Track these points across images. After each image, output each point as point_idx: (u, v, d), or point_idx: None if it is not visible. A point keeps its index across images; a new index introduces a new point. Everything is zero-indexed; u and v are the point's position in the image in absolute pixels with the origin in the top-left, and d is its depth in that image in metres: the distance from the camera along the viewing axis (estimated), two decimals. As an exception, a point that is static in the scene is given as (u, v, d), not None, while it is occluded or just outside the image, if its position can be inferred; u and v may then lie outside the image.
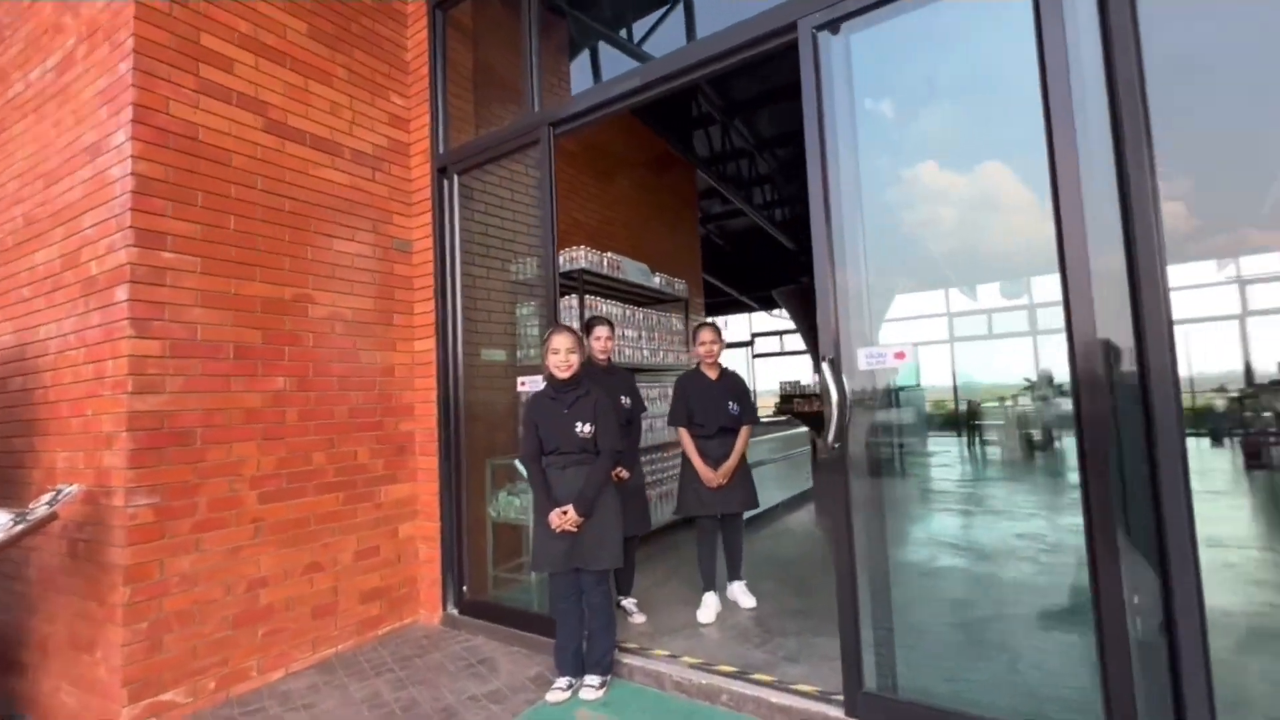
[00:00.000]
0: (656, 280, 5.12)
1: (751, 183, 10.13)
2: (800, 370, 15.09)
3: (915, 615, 2.45)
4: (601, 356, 3.32)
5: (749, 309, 17.41)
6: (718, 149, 8.83)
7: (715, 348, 3.57)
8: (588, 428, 2.63)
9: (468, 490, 3.58)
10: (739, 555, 3.59)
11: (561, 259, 4.37)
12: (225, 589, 2.77)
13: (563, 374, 2.65)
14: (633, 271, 4.81)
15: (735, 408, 3.53)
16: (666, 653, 2.79)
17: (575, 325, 4.18)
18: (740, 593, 3.50)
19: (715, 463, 3.45)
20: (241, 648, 2.80)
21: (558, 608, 2.66)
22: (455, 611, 3.48)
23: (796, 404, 11.31)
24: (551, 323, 3.16)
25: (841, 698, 2.24)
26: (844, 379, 2.20)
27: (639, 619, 3.24)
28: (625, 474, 3.21)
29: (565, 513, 2.55)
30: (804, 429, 7.42)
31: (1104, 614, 1.76)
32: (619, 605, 3.35)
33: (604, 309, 4.53)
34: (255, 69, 3.05)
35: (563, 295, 4.18)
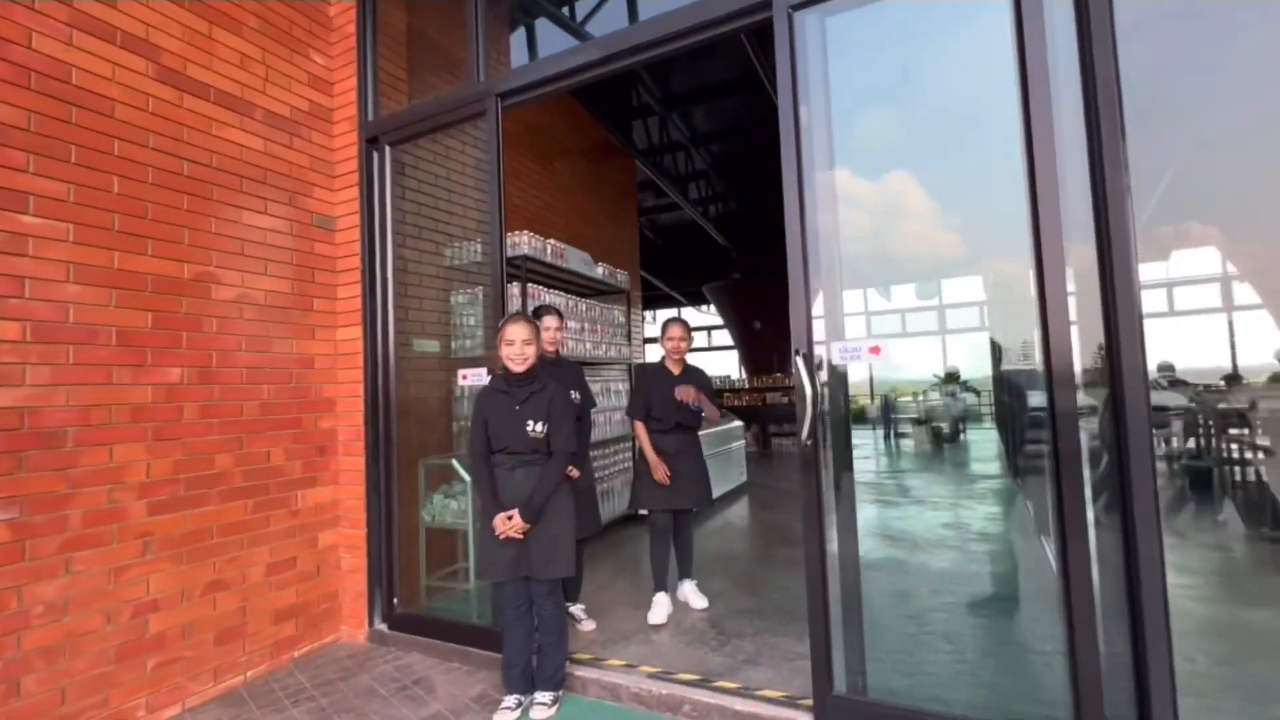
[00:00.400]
0: (599, 271, 4.93)
1: (687, 178, 10.11)
2: (729, 365, 15.32)
3: (878, 613, 2.43)
4: (550, 348, 3.11)
5: (678, 304, 17.51)
6: (656, 141, 8.73)
7: (683, 344, 3.45)
8: (540, 426, 2.42)
9: (398, 493, 3.27)
10: (690, 553, 3.51)
11: (502, 244, 4.10)
12: (105, 617, 2.35)
13: (517, 367, 2.43)
14: (575, 261, 4.60)
15: (696, 405, 3.45)
16: (622, 662, 2.64)
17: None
18: (691, 593, 3.41)
19: (670, 458, 3.35)
20: (125, 685, 2.39)
21: (504, 619, 2.45)
22: (384, 627, 3.17)
23: (727, 398, 11.45)
24: (500, 312, 2.92)
25: (810, 702, 2.17)
26: (815, 374, 2.13)
27: (589, 626, 3.07)
28: (576, 473, 3.02)
29: (510, 518, 2.34)
30: (738, 423, 7.47)
31: (1074, 601, 1.78)
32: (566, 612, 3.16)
33: (546, 299, 4.30)
34: (145, 5, 2.60)
35: (503, 283, 3.91)
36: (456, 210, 3.94)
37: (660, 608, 3.24)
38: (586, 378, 3.36)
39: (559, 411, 2.48)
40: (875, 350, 2.06)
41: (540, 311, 3.14)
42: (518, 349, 2.43)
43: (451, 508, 3.32)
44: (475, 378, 2.97)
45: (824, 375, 2.19)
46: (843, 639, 2.14)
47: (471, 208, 4.06)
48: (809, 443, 2.10)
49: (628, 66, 2.70)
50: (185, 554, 2.61)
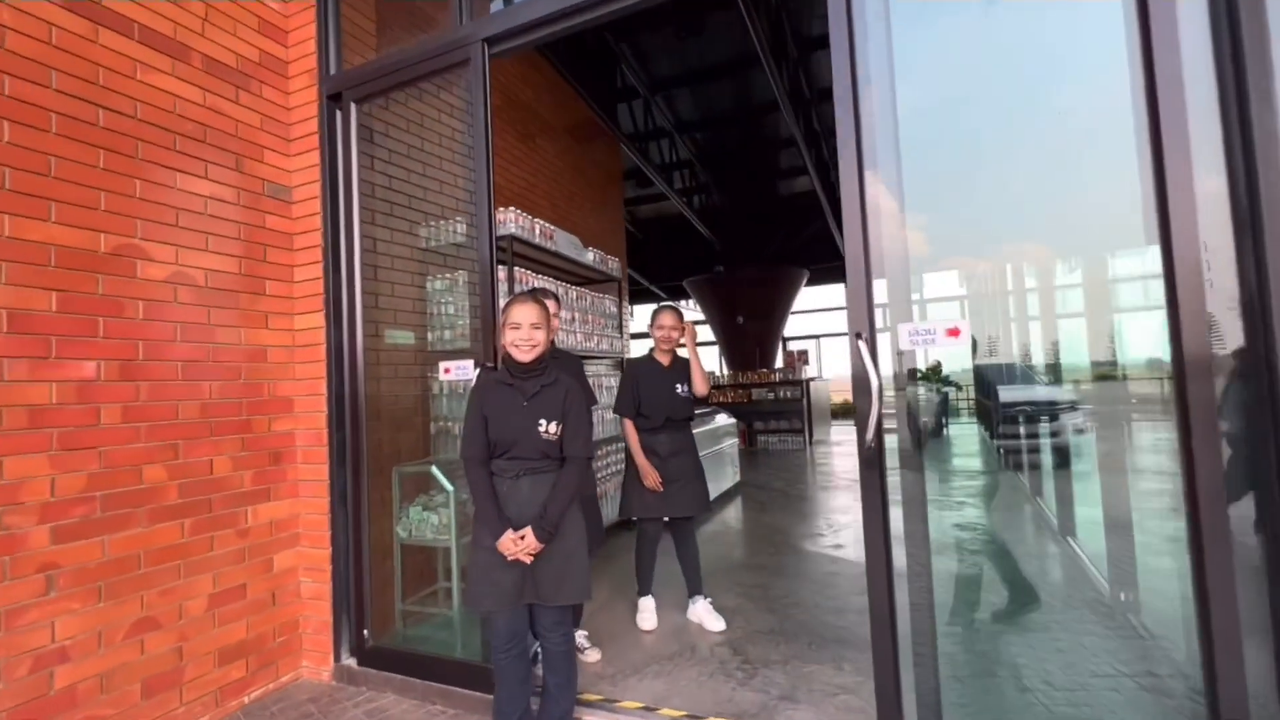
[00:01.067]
0: (590, 256, 4.52)
1: (671, 166, 9.74)
2: (711, 361, 15.02)
3: (946, 640, 2.10)
4: (521, 356, 2.69)
5: (657, 298, 17.16)
6: (640, 127, 8.34)
7: (675, 334, 3.11)
8: (554, 427, 2.02)
9: (367, 506, 2.82)
10: (696, 566, 3.15)
11: (484, 223, 3.66)
12: (-6, 674, 1.87)
13: (524, 355, 2.02)
14: (564, 244, 4.18)
15: (684, 390, 3.10)
16: (639, 704, 2.25)
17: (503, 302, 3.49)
18: (706, 613, 3.02)
19: (662, 461, 3.01)
20: (24, 756, 1.92)
21: (498, 659, 2.04)
22: (353, 662, 2.72)
23: (713, 395, 11.13)
24: (491, 297, 2.50)
25: (873, 755, 1.82)
26: (878, 362, 1.77)
27: (594, 656, 2.67)
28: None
29: (522, 538, 1.93)
30: (730, 420, 7.14)
31: (1214, 609, 1.46)
32: (566, 640, 2.77)
33: (534, 285, 3.88)
34: (47, -86, 2.11)
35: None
36: (432, 186, 3.50)
37: (648, 613, 3.00)
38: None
39: (575, 410, 2.08)
40: (954, 332, 1.72)
41: (509, 300, 2.72)
42: (525, 333, 2.02)
43: (431, 521, 2.88)
44: (460, 371, 2.55)
45: (885, 365, 1.84)
46: (914, 679, 1.79)
47: (450, 184, 3.62)
48: (872, 445, 1.75)
49: (636, 6, 2.31)
50: (104, 589, 2.14)
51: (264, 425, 2.72)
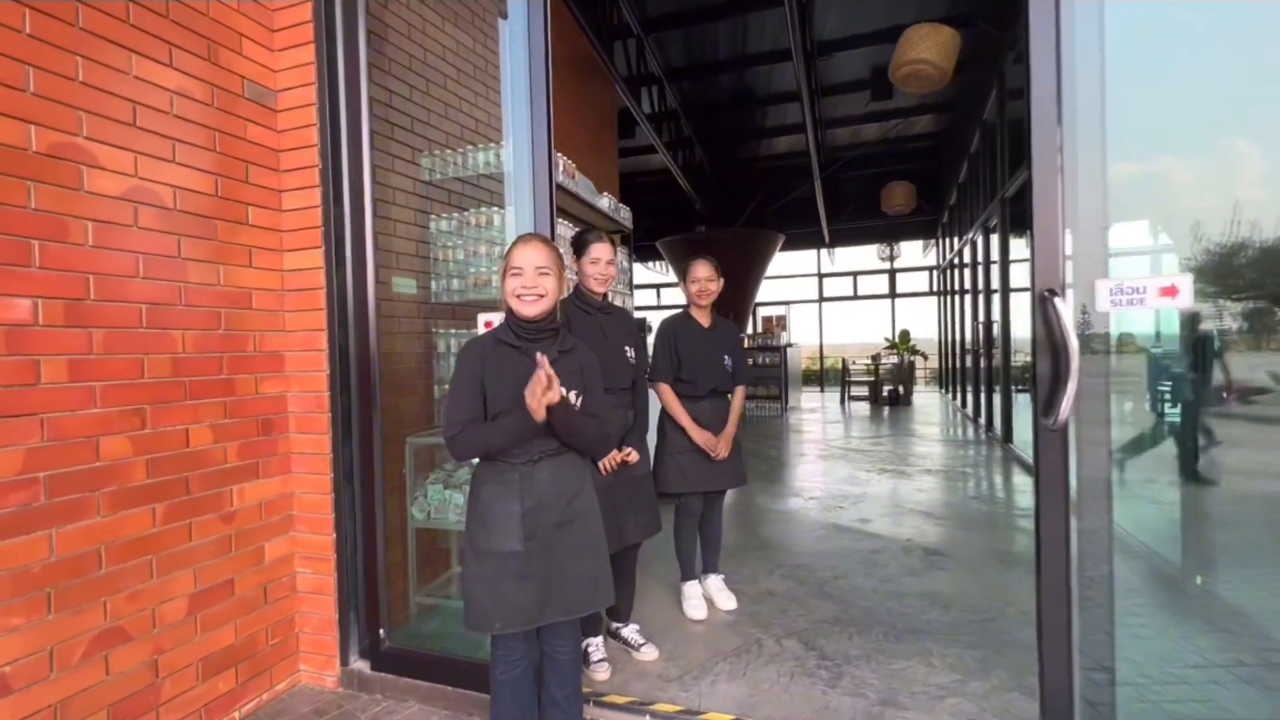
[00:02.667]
0: (604, 202, 4.05)
1: (659, 116, 9.18)
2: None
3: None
4: (600, 289, 2.28)
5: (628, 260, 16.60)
6: (634, 70, 7.73)
7: (712, 286, 2.74)
8: (573, 397, 1.64)
9: (381, 484, 2.36)
10: (718, 543, 2.91)
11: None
12: (-96, 720, 1.38)
13: (528, 308, 1.61)
14: (582, 186, 3.70)
15: (730, 364, 2.77)
16: (730, 717, 1.94)
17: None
18: (718, 590, 2.83)
19: (709, 431, 2.71)
20: (-47, 821, 1.45)
21: (506, 677, 1.67)
22: (365, 666, 2.31)
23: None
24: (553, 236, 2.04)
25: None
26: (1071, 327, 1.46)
27: (650, 654, 2.35)
28: (635, 456, 2.26)
29: (550, 387, 1.52)
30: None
31: None
32: (616, 636, 2.44)
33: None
34: None
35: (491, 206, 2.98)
36: (454, 99, 2.98)
37: (695, 599, 2.73)
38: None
39: (593, 385, 1.72)
40: (1171, 291, 1.41)
41: (587, 239, 2.29)
42: (528, 279, 1.60)
43: (455, 502, 2.46)
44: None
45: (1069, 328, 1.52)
46: (1079, 693, 1.54)
47: (480, 96, 3.11)
48: (1054, 422, 1.44)
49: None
50: (54, 596, 1.64)
51: (250, 386, 2.21)
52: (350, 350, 2.32)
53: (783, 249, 14.01)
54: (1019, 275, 6.40)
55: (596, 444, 1.80)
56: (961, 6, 6.63)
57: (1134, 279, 1.45)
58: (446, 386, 2.92)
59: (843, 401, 12.31)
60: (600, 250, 2.24)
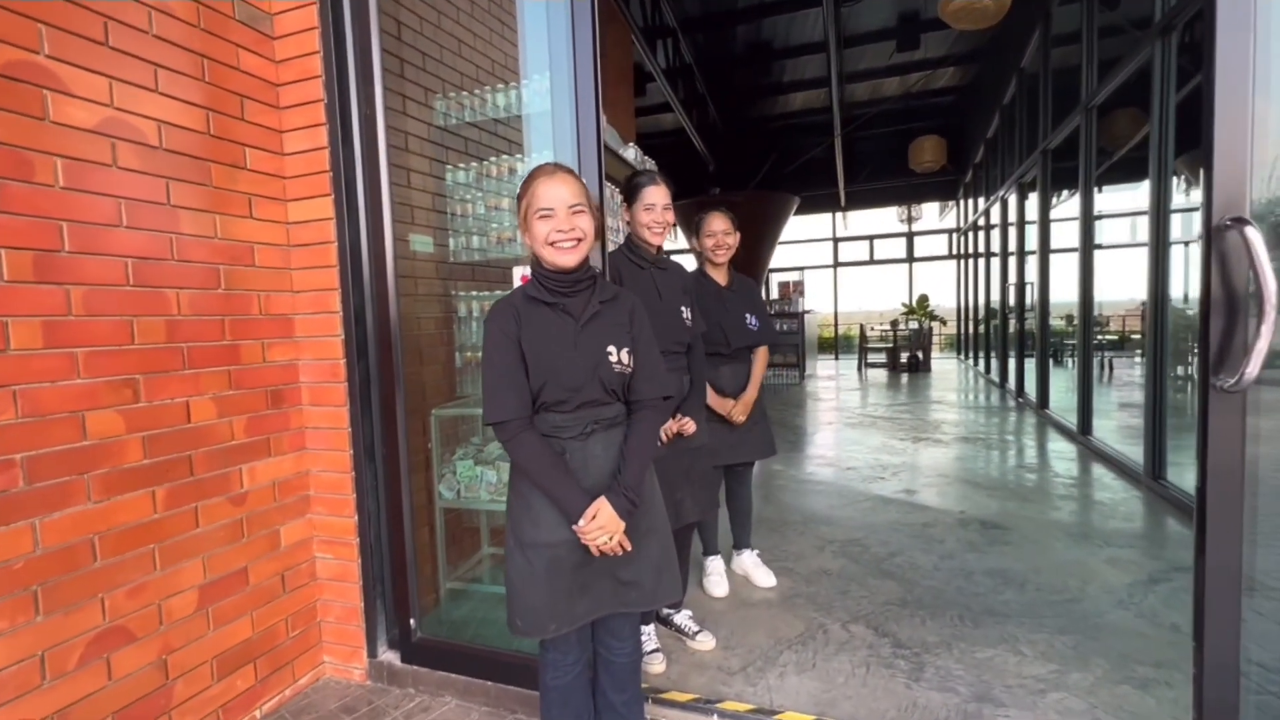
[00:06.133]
0: (630, 153, 3.74)
1: (674, 72, 8.72)
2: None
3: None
4: (655, 240, 2.00)
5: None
6: (650, 21, 7.28)
7: (729, 240, 2.48)
8: (625, 355, 1.37)
9: (406, 459, 2.13)
10: (749, 517, 2.71)
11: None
12: None
13: (567, 258, 1.34)
14: (610, 136, 3.39)
15: (754, 322, 2.51)
16: (812, 717, 1.73)
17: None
18: (754, 567, 2.65)
19: (728, 399, 2.47)
20: None
21: (554, 684, 1.46)
22: (394, 657, 2.11)
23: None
24: (602, 191, 1.76)
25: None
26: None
27: (708, 643, 2.14)
28: (691, 426, 2.02)
29: (594, 516, 1.31)
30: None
31: None
32: (668, 623, 2.23)
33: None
34: None
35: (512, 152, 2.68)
36: (481, 33, 2.67)
37: (718, 576, 2.56)
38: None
39: (645, 336, 1.44)
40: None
41: (640, 181, 2.01)
42: (562, 222, 1.33)
43: (488, 479, 2.23)
44: (544, 280, 1.83)
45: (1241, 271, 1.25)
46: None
47: (499, 34, 2.80)
48: (1237, 382, 1.18)
49: None
50: (41, 595, 1.43)
51: (256, 353, 1.96)
52: (367, 311, 2.06)
53: (797, 213, 13.62)
54: (1061, 235, 6.05)
55: (654, 452, 1.51)
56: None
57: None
58: (468, 354, 2.68)
59: (860, 368, 12.04)
60: (655, 194, 1.97)
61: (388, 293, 2.04)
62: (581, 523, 1.30)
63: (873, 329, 12.79)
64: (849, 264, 14.73)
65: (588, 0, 1.74)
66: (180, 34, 1.74)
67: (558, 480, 1.32)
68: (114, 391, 1.57)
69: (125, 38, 1.61)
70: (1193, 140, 3.56)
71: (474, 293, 2.68)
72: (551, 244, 1.34)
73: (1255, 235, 1.14)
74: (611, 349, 1.36)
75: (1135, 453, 3.97)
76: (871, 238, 14.46)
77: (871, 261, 14.53)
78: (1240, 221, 1.17)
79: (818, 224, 14.73)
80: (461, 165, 2.68)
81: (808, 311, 10.80)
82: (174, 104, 1.72)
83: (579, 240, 1.35)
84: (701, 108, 10.46)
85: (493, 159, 2.71)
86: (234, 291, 1.89)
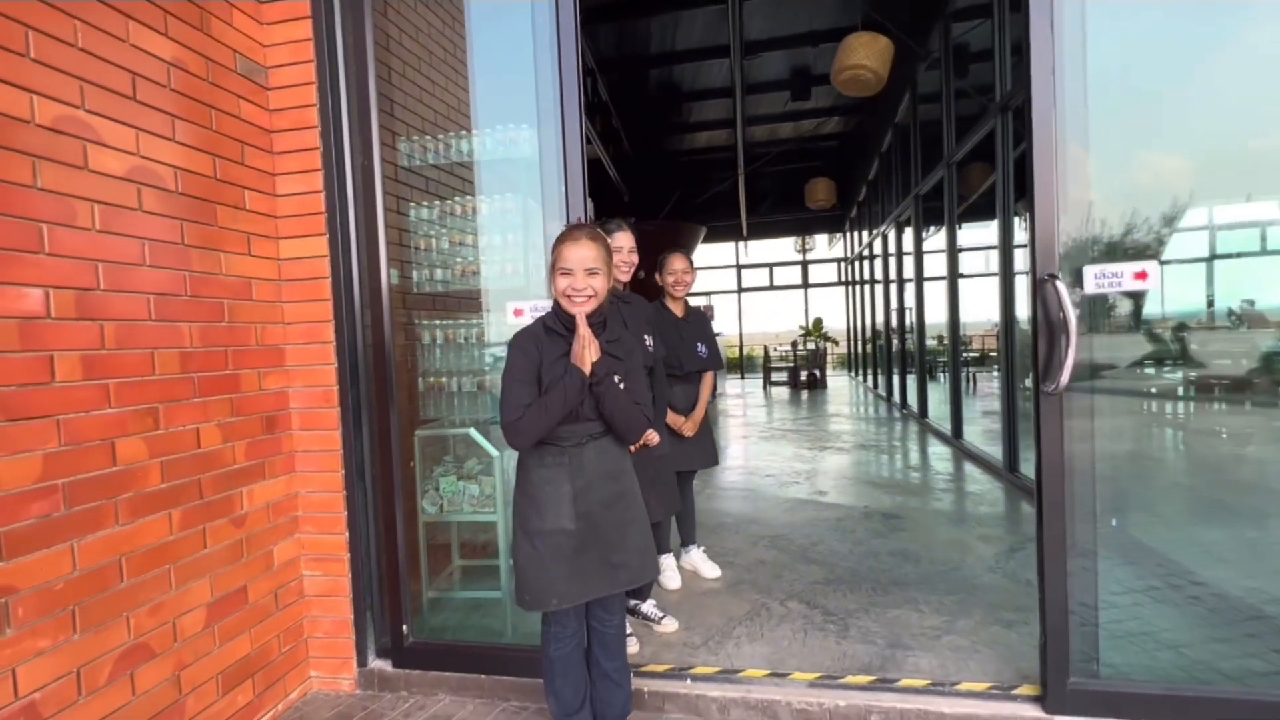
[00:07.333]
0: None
1: (594, 108, 9.17)
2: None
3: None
4: (623, 278, 2.35)
5: (548, 251, 16.40)
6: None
7: (687, 278, 2.93)
8: (619, 380, 1.71)
9: (400, 479, 2.30)
10: (693, 517, 3.13)
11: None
12: (-60, 759, 1.24)
13: (578, 310, 1.64)
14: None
15: (704, 350, 2.97)
16: (764, 671, 2.10)
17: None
18: (701, 561, 3.04)
19: (679, 413, 2.91)
20: None
21: (557, 654, 1.73)
22: (386, 664, 2.26)
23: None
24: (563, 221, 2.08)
25: (1035, 691, 1.86)
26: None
27: (671, 626, 2.46)
28: (656, 438, 2.36)
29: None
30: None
31: None
32: (636, 613, 2.53)
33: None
34: None
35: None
36: (440, 80, 2.89)
37: (671, 570, 2.92)
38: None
39: (636, 369, 1.79)
40: (1142, 275, 1.70)
41: (608, 229, 2.34)
42: (578, 281, 1.62)
43: (471, 493, 2.44)
44: (535, 311, 2.11)
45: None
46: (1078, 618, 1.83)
47: (448, 88, 3.02)
48: (1055, 387, 1.70)
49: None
50: (78, 614, 1.51)
51: (253, 382, 2.08)
52: (359, 342, 2.23)
53: (704, 241, 14.49)
54: (932, 265, 7.04)
55: (633, 421, 1.83)
56: (876, 15, 7.15)
57: (1114, 264, 1.73)
58: (431, 380, 2.87)
59: (765, 386, 12.94)
60: (622, 239, 2.31)
61: (383, 324, 2.23)
62: (577, 351, 1.59)
63: (775, 349, 13.81)
64: (751, 289, 15.81)
65: (572, 48, 2.07)
66: (193, 87, 1.88)
67: (558, 392, 1.58)
68: (139, 420, 1.68)
69: (149, 92, 1.74)
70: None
71: (441, 321, 2.87)
72: (567, 297, 1.64)
73: (1063, 286, 1.68)
74: (614, 378, 1.68)
75: (996, 451, 4.77)
76: (771, 265, 15.63)
77: (772, 287, 15.69)
78: (1053, 276, 1.70)
79: (722, 252, 15.72)
80: (426, 205, 2.88)
81: (719, 334, 11.53)
82: (189, 151, 1.86)
83: (590, 297, 1.64)
84: (617, 142, 11.00)
85: (457, 199, 2.94)
86: (236, 324, 2.01)
